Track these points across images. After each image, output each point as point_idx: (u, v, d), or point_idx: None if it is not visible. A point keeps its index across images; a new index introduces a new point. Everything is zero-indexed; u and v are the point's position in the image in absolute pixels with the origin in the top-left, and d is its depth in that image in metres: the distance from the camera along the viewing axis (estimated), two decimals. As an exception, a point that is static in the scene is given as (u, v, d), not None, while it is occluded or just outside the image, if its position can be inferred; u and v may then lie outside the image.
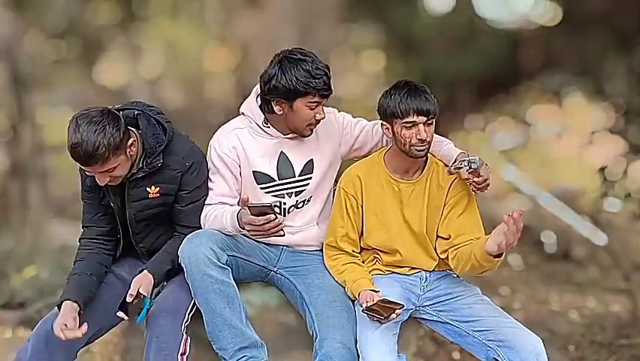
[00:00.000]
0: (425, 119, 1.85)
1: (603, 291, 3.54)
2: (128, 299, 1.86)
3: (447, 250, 1.93)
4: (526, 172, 6.01)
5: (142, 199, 1.93)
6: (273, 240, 1.96)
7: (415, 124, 1.85)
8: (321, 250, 2.03)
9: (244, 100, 2.01)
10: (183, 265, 1.85)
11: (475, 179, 1.86)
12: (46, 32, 7.08)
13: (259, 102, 1.95)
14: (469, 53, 6.55)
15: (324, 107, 1.97)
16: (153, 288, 1.93)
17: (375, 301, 1.81)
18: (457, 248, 1.90)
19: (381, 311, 1.80)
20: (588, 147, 5.33)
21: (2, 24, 5.60)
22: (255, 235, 1.82)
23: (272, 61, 1.91)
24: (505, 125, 7.46)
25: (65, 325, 1.81)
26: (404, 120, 1.85)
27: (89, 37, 7.36)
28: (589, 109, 6.68)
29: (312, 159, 1.97)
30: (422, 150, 1.87)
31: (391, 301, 1.82)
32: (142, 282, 1.89)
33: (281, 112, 1.90)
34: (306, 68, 1.85)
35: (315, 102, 1.87)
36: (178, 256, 1.90)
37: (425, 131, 1.85)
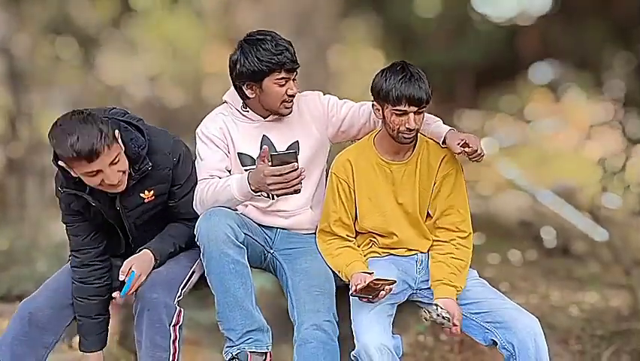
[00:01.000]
0: (416, 108, 1.84)
1: (603, 286, 3.54)
2: (121, 277, 1.84)
3: (434, 230, 1.95)
4: (525, 168, 6.01)
5: (138, 206, 1.90)
6: (269, 223, 1.96)
7: (405, 113, 1.84)
8: (316, 233, 2.02)
9: None
10: (200, 243, 1.82)
11: (467, 149, 1.86)
12: (42, 29, 7.05)
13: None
14: (466, 45, 6.52)
15: (309, 92, 1.99)
16: (153, 268, 1.90)
17: (366, 283, 1.80)
18: (434, 248, 1.92)
19: (369, 291, 1.80)
20: (586, 142, 5.32)
21: (-2, 21, 5.58)
22: (275, 188, 1.77)
23: (235, 47, 1.91)
24: (503, 122, 7.45)
25: None
26: (395, 107, 1.84)
27: (85, 35, 7.33)
28: (587, 102, 6.68)
29: (297, 141, 1.97)
30: (409, 138, 1.87)
31: (383, 279, 1.82)
32: (138, 259, 1.87)
33: (253, 95, 1.90)
34: (266, 47, 1.85)
35: (282, 78, 1.87)
36: (180, 241, 1.89)
37: (415, 120, 1.84)
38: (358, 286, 1.81)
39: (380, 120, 1.93)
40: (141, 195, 1.88)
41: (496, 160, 5.98)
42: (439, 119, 1.98)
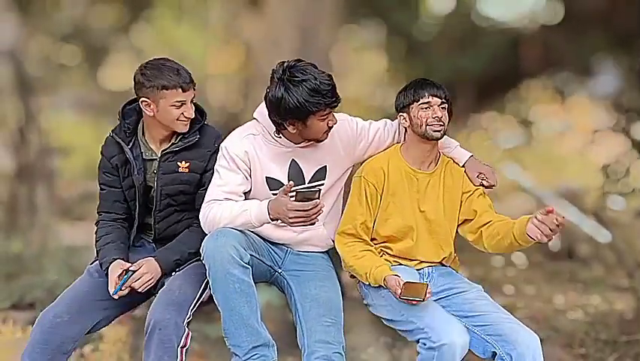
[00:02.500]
0: (440, 101, 1.96)
1: (607, 289, 3.56)
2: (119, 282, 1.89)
3: (478, 229, 1.99)
4: (530, 171, 6.02)
5: (171, 172, 1.99)
6: (281, 237, 1.99)
7: (430, 105, 1.96)
8: (326, 252, 2.05)
9: (247, 102, 2.05)
10: (206, 264, 1.87)
11: (485, 183, 2.01)
12: (51, 36, 7.13)
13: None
14: (471, 53, 6.56)
15: (339, 114, 2.02)
16: (161, 278, 1.95)
17: (402, 285, 1.85)
18: (490, 225, 1.97)
19: (416, 294, 1.83)
20: (591, 146, 5.34)
21: (8, 28, 5.64)
22: (296, 222, 1.83)
23: (272, 78, 1.92)
24: (507, 125, 7.47)
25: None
26: (420, 102, 1.96)
27: (93, 41, 7.40)
28: (591, 108, 6.69)
29: (325, 166, 2.00)
30: (439, 131, 1.96)
31: (415, 283, 1.87)
32: (149, 268, 1.93)
33: (295, 130, 1.94)
34: (312, 86, 1.87)
35: (325, 115, 1.92)
36: (190, 249, 1.94)
37: (439, 110, 1.96)
38: (399, 291, 1.85)
39: (403, 134, 2.03)
40: (178, 163, 1.99)
41: (501, 162, 6.00)
42: (458, 143, 2.07)
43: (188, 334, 1.90)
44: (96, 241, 2.03)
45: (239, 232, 1.90)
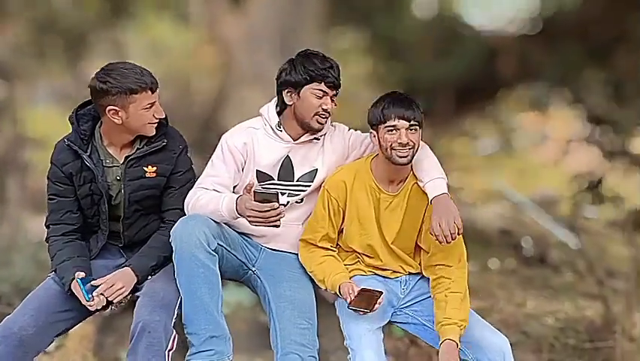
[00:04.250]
0: (407, 124, 1.90)
1: (578, 296, 3.62)
2: (96, 294, 1.86)
3: (428, 267, 1.97)
4: (506, 178, 6.12)
5: (138, 178, 1.94)
6: (257, 229, 1.97)
7: (396, 128, 1.89)
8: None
9: (228, 100, 2.08)
10: (173, 245, 1.85)
11: (439, 239, 1.87)
12: (28, 25, 6.99)
13: (277, 108, 2.02)
14: (452, 59, 6.63)
15: (338, 124, 2.06)
16: (137, 284, 1.92)
17: (356, 292, 1.85)
18: (438, 293, 1.92)
19: (364, 305, 1.84)
20: (565, 156, 5.45)
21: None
22: (254, 222, 1.84)
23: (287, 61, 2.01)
24: (486, 132, 7.58)
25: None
26: (386, 124, 1.90)
27: (72, 32, 7.28)
28: (566, 119, 6.83)
29: (316, 170, 2.02)
30: (404, 156, 1.90)
31: (370, 290, 1.86)
32: (121, 279, 1.88)
33: (291, 102, 1.97)
34: (314, 60, 1.95)
35: (321, 90, 1.94)
36: (164, 253, 1.90)
37: (406, 135, 1.88)
38: (351, 297, 1.84)
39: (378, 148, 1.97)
40: (145, 168, 1.93)
41: (480, 169, 6.07)
42: (438, 176, 1.95)
43: (175, 336, 1.87)
44: (51, 258, 1.95)
45: (211, 220, 1.88)
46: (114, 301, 1.89)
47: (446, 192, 1.92)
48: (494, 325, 1.98)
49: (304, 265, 2.02)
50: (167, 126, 1.97)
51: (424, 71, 6.50)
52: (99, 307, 1.89)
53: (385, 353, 1.89)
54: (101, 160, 1.94)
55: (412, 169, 1.98)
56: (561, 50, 5.70)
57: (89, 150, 1.93)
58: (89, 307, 1.87)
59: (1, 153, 5.37)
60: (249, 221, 1.85)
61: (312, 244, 2.01)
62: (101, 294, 1.88)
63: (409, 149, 1.90)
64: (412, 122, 1.89)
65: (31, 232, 4.53)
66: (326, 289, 1.97)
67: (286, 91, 1.98)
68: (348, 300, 1.86)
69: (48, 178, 1.97)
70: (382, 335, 1.92)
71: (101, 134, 1.95)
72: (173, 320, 1.88)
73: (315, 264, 1.99)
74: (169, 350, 1.85)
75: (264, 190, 1.86)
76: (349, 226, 2.00)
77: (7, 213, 5.01)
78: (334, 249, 2.04)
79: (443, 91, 6.37)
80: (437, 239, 1.87)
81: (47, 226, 1.99)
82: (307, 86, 1.94)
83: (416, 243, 2.00)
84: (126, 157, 1.94)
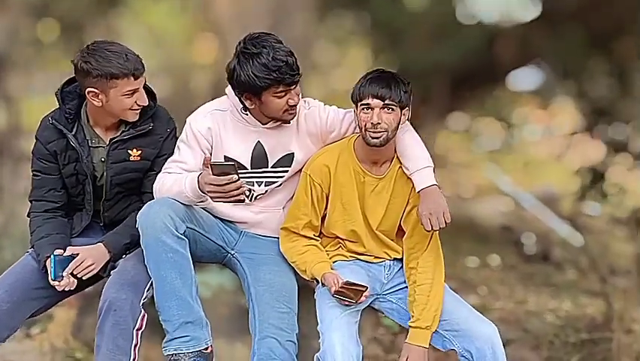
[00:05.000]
0: (381, 103, 1.77)
1: (579, 293, 3.56)
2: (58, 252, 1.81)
3: (406, 251, 1.90)
4: (508, 173, 6.04)
5: (121, 161, 1.88)
6: (236, 216, 1.91)
7: (369, 107, 1.78)
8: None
9: (216, 89, 1.96)
10: (140, 230, 1.79)
11: (425, 228, 1.80)
12: (24, 13, 6.89)
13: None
14: (450, 47, 6.48)
15: (311, 100, 1.93)
16: (109, 262, 1.87)
17: (340, 285, 1.78)
18: (413, 282, 1.86)
19: (351, 295, 1.78)
20: (568, 150, 5.36)
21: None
22: (215, 197, 1.76)
23: (235, 50, 1.85)
24: (487, 126, 7.49)
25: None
26: (362, 102, 1.80)
27: (68, 20, 7.19)
28: (569, 111, 6.74)
29: (292, 153, 1.92)
30: (375, 138, 1.79)
31: (355, 284, 1.80)
32: (91, 255, 1.83)
33: (252, 106, 1.86)
34: (262, 61, 1.78)
35: (281, 91, 1.81)
36: (138, 229, 1.83)
37: (378, 115, 1.77)
38: (335, 288, 1.78)
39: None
40: (129, 151, 1.87)
41: (481, 163, 6.00)
42: (425, 165, 1.84)
43: (144, 316, 1.81)
44: (31, 234, 1.91)
45: (178, 203, 1.81)
46: (83, 278, 1.84)
47: (435, 183, 1.83)
48: (494, 321, 1.91)
49: (286, 255, 1.92)
50: (155, 109, 1.90)
51: (420, 57, 6.35)
52: (67, 289, 1.84)
53: (360, 339, 1.83)
54: (87, 140, 1.88)
55: (394, 151, 1.89)
56: (562, 36, 5.51)
57: (74, 130, 1.87)
58: (57, 288, 1.82)
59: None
60: (210, 197, 1.76)
61: (294, 232, 1.91)
62: (71, 273, 1.83)
63: (382, 131, 1.78)
64: (387, 102, 1.77)
65: (23, 221, 4.47)
66: (310, 280, 1.89)
67: (244, 95, 1.83)
68: (333, 289, 1.79)
69: (32, 153, 1.90)
70: (357, 319, 1.85)
71: (87, 114, 1.89)
72: (142, 300, 1.81)
73: (297, 254, 1.89)
74: (137, 329, 1.79)
75: (220, 162, 1.77)
76: (332, 212, 1.90)
77: (1, 201, 4.97)
78: (317, 238, 1.94)
79: (441, 80, 6.23)
80: (425, 229, 1.81)
81: (30, 202, 1.95)
82: (265, 92, 1.80)
83: (399, 225, 1.92)
84: (111, 139, 1.88)
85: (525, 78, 6.74)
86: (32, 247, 1.90)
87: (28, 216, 1.93)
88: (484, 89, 7.00)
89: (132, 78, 1.79)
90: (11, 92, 5.69)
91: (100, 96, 1.79)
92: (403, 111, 1.82)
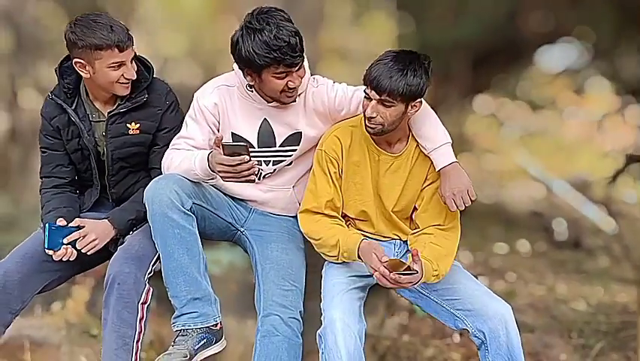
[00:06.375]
0: (377, 96, 1.71)
1: (611, 281, 3.48)
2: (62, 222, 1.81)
3: (414, 229, 1.85)
4: (539, 158, 5.88)
5: (121, 135, 1.87)
6: (245, 194, 1.88)
7: (368, 97, 1.73)
8: (292, 217, 1.92)
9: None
10: (146, 206, 1.78)
11: (451, 208, 1.75)
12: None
13: None
14: (468, 21, 6.19)
15: (320, 78, 1.87)
16: (117, 238, 1.87)
17: (392, 274, 1.66)
18: (418, 238, 1.81)
19: (401, 269, 1.66)
20: (600, 133, 5.19)
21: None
22: (225, 177, 1.73)
23: (239, 26, 1.79)
24: (515, 110, 7.30)
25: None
26: (365, 89, 1.75)
27: (93, 4, 7.22)
28: (601, 92, 6.50)
29: (300, 132, 1.87)
30: (370, 127, 1.75)
31: (403, 263, 1.68)
32: (94, 230, 1.83)
33: (252, 82, 1.81)
34: (264, 38, 1.71)
35: (281, 72, 1.75)
36: (144, 208, 1.81)
37: (373, 108, 1.72)
38: (384, 259, 1.67)
39: None
40: (128, 125, 1.86)
41: (511, 149, 5.87)
42: (445, 141, 1.79)
43: (149, 290, 1.81)
44: (41, 209, 1.91)
45: (185, 179, 1.79)
46: (88, 253, 1.84)
47: (455, 160, 1.77)
48: (522, 308, 1.84)
49: (310, 236, 1.84)
50: (149, 81, 1.86)
51: (441, 33, 6.11)
52: (65, 259, 1.83)
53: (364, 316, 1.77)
54: (88, 115, 1.87)
55: (409, 129, 1.82)
56: (591, 8, 5.16)
57: (74, 104, 1.86)
58: (54, 257, 1.82)
59: (25, 127, 5.40)
60: (221, 177, 1.74)
61: (317, 212, 1.83)
62: (73, 246, 1.83)
63: (377, 124, 1.73)
64: (383, 97, 1.70)
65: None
66: (337, 258, 1.81)
67: (245, 70, 1.78)
68: (392, 276, 1.66)
69: (40, 131, 1.91)
70: (362, 295, 1.80)
71: (86, 88, 1.87)
72: (148, 274, 1.80)
73: (325, 229, 1.80)
74: (142, 303, 1.79)
75: (232, 142, 1.74)
76: (345, 190, 1.84)
77: (30, 182, 5.08)
78: (342, 219, 1.86)
79: (463, 59, 5.98)
80: (449, 210, 1.75)
81: (40, 179, 1.96)
82: (265, 70, 1.74)
83: (415, 206, 1.86)
84: (109, 113, 1.86)
85: (554, 56, 6.48)
86: (42, 220, 1.91)
87: (40, 192, 1.94)
88: (510, 69, 6.75)
89: (117, 50, 1.76)
90: (37, 76, 5.76)
91: (87, 67, 1.78)
92: (411, 103, 1.75)
